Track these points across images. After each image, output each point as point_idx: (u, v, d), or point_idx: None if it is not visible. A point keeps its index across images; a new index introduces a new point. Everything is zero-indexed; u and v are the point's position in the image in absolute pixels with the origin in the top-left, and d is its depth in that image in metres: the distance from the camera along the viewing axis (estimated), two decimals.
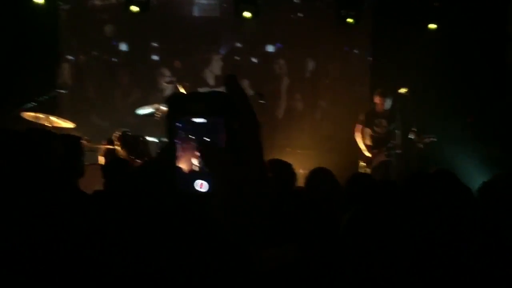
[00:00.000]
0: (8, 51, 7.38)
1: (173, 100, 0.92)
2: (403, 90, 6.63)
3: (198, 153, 0.88)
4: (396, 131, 6.82)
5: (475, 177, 6.08)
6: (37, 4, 7.64)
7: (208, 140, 0.87)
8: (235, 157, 0.84)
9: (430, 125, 7.00)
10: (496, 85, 8.25)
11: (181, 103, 0.90)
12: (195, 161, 0.89)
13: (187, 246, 0.95)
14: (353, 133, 7.09)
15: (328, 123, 8.82)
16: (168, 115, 0.91)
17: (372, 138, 6.91)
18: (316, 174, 3.16)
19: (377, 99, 7.03)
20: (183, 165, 0.89)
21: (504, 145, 7.48)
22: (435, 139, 6.69)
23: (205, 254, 0.88)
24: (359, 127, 7.01)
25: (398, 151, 6.78)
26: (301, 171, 7.24)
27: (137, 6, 7.98)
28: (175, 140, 0.88)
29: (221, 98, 0.88)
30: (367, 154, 6.84)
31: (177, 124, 0.88)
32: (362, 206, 2.47)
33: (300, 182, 4.90)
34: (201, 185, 0.87)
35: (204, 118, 0.88)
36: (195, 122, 0.88)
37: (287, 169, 3.73)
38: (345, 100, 9.06)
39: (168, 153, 0.90)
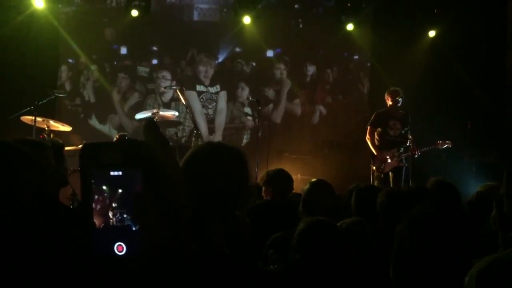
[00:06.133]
0: (7, 55, 7.40)
1: (87, 150, 0.83)
2: (398, 98, 6.49)
3: (115, 205, 0.79)
4: (409, 135, 6.41)
5: (471, 184, 6.09)
6: (38, 8, 7.67)
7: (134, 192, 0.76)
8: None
9: (428, 131, 6.97)
10: (495, 91, 8.26)
11: (95, 154, 0.81)
12: (110, 214, 0.81)
13: None
14: (365, 136, 6.76)
15: (327, 129, 8.83)
16: (81, 167, 0.82)
17: (386, 141, 6.48)
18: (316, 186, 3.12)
19: (388, 99, 6.54)
20: (97, 219, 0.82)
21: (501, 151, 7.48)
22: (450, 145, 6.53)
23: None
24: (369, 128, 6.58)
25: (416, 156, 6.32)
26: (299, 177, 7.25)
27: (137, 10, 8.02)
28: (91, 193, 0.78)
29: (138, 147, 0.79)
30: (375, 153, 6.53)
31: (91, 175, 0.80)
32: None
33: (297, 187, 4.90)
34: (120, 248, 0.80)
35: (120, 170, 0.80)
36: (111, 174, 0.79)
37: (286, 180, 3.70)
38: (344, 106, 9.09)
39: (84, 211, 0.80)
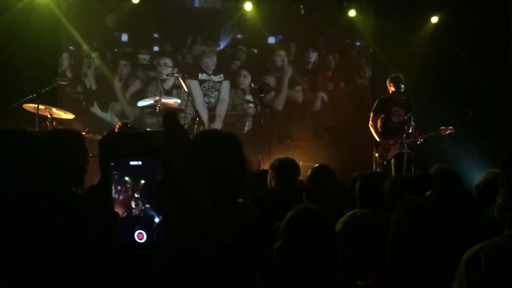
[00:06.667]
0: (8, 42, 7.37)
1: (107, 141, 0.84)
2: (401, 84, 6.46)
3: (137, 196, 0.81)
4: (412, 121, 6.33)
5: (473, 170, 6.11)
6: None
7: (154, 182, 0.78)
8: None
9: (430, 118, 6.97)
10: (497, 77, 8.24)
11: (115, 144, 0.83)
12: (133, 204, 0.83)
13: None
14: (367, 123, 6.73)
15: (329, 115, 8.83)
16: (101, 157, 0.83)
17: (389, 127, 6.46)
18: (318, 171, 3.12)
19: (391, 85, 6.47)
20: (119, 209, 0.83)
21: (503, 138, 7.48)
22: (453, 131, 6.53)
23: None
24: (372, 115, 6.53)
25: (419, 142, 6.25)
26: (301, 163, 7.26)
27: None
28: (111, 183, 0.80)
29: (158, 138, 0.80)
30: (379, 140, 6.46)
31: (111, 164, 0.81)
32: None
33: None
34: (141, 236, 0.82)
35: (140, 160, 0.81)
36: (130, 164, 0.81)
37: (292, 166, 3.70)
38: (346, 92, 9.08)
39: (104, 200, 0.82)
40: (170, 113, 0.79)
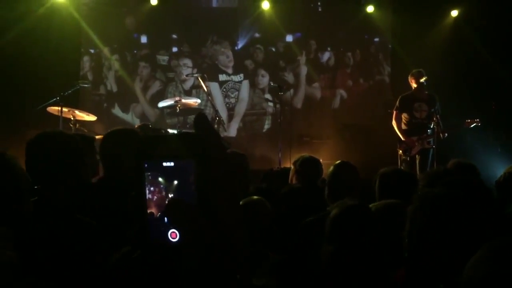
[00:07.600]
0: (29, 47, 7.50)
1: (141, 143, 0.88)
2: (422, 79, 6.39)
3: (171, 196, 0.84)
4: (437, 114, 6.19)
5: (496, 165, 6.02)
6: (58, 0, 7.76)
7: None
8: (205, 208, 0.79)
9: (452, 113, 6.88)
10: None
11: (148, 146, 0.86)
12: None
13: None
14: (387, 119, 6.67)
15: (348, 112, 8.79)
16: (135, 158, 0.86)
17: (412, 124, 6.37)
18: (340, 168, 3.09)
19: (412, 81, 6.43)
20: (154, 209, 0.85)
21: None
22: (479, 124, 6.43)
23: None
24: (395, 113, 6.50)
25: (443, 137, 6.11)
26: (321, 161, 7.23)
27: None
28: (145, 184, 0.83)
29: (191, 140, 0.84)
30: (403, 139, 6.39)
31: (145, 166, 0.84)
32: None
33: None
34: (174, 235, 0.84)
35: (173, 161, 0.84)
36: (163, 165, 0.84)
37: (315, 165, 3.71)
38: (365, 89, 9.02)
39: (138, 201, 0.85)
40: (201, 115, 0.81)
